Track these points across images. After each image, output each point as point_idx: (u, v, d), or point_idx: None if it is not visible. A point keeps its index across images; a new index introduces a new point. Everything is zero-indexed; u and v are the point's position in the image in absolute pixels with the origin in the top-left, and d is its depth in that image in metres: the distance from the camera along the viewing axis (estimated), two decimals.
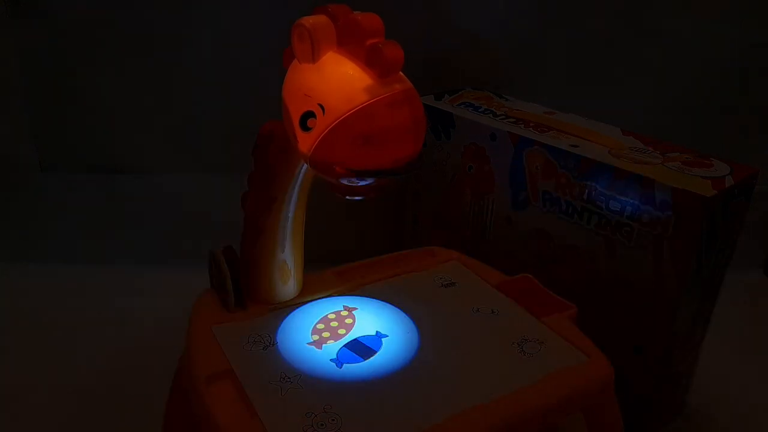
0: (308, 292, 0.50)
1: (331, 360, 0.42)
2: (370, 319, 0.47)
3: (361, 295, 0.50)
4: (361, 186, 0.38)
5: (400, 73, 0.37)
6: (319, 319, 0.47)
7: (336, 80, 0.35)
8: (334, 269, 0.54)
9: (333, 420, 0.37)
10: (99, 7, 0.68)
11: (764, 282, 0.83)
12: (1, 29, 0.69)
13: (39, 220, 0.79)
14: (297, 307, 0.48)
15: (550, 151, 0.56)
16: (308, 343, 0.44)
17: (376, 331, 0.46)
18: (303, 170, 0.43)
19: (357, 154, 0.35)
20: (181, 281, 0.74)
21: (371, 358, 0.43)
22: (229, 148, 0.75)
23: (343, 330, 0.46)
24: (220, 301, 0.48)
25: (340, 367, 0.42)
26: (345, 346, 0.44)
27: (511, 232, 0.62)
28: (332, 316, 0.47)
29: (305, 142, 0.37)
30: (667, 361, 0.54)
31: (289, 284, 0.48)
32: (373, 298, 0.50)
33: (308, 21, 0.35)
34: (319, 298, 0.50)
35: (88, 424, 0.56)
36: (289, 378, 0.40)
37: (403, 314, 0.47)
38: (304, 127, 0.36)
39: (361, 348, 0.44)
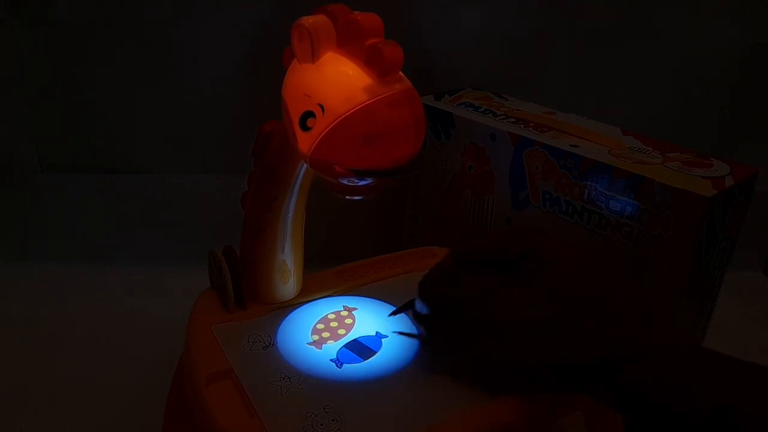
0: (308, 292, 0.50)
1: (331, 360, 0.42)
2: (370, 319, 0.47)
3: (360, 295, 0.50)
4: (360, 186, 0.38)
5: (400, 73, 0.37)
6: (318, 319, 0.47)
7: (336, 80, 0.35)
8: (334, 269, 0.54)
9: (333, 420, 0.37)
10: (99, 8, 0.68)
11: (764, 282, 0.83)
12: (1, 29, 0.69)
13: (39, 220, 0.79)
14: (297, 307, 0.48)
15: (550, 151, 0.56)
16: (308, 343, 0.44)
17: (376, 332, 0.46)
18: (303, 170, 0.43)
19: (357, 154, 0.35)
20: (181, 281, 0.74)
21: (371, 358, 0.43)
22: (228, 148, 0.75)
23: (343, 330, 0.46)
24: (220, 301, 0.48)
25: (340, 368, 0.42)
26: (345, 346, 0.44)
27: None
28: (332, 316, 0.47)
29: (305, 142, 0.37)
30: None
31: (289, 284, 0.48)
32: (373, 298, 0.50)
33: (308, 21, 0.35)
34: (319, 298, 0.50)
35: (88, 423, 0.56)
36: (289, 378, 0.40)
37: (403, 314, 0.47)
38: (304, 127, 0.36)
39: (361, 348, 0.44)
